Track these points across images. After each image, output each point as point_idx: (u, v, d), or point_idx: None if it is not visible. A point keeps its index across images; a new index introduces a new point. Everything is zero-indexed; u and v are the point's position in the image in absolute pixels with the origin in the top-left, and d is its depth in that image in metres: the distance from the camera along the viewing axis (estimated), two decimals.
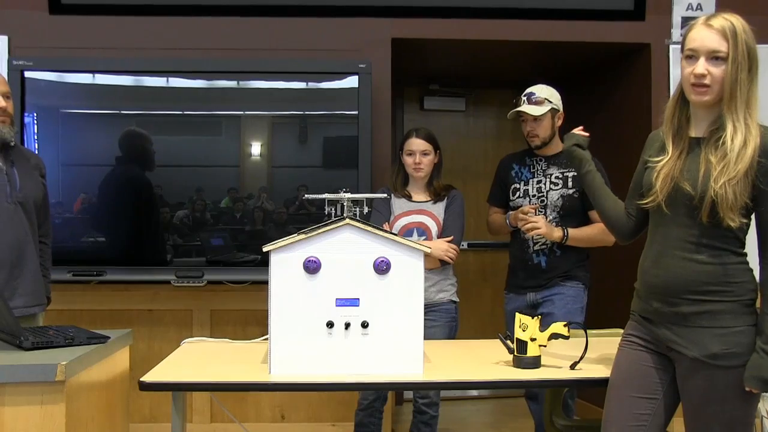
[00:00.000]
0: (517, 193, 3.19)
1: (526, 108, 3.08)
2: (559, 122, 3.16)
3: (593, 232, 3.06)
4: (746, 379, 1.82)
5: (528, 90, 3.14)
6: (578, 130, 2.30)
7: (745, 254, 1.91)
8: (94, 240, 3.60)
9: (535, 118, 3.08)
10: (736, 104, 1.85)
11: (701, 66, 1.86)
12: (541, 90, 3.13)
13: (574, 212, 3.10)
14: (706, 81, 1.86)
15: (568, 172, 3.10)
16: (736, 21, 1.87)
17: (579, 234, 3.07)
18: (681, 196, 1.89)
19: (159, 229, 3.59)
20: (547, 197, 3.12)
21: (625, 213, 2.16)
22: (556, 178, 3.13)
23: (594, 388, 2.18)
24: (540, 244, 3.12)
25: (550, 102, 3.10)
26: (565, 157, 2.35)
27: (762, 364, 1.80)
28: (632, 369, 2.00)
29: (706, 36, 1.87)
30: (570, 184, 3.10)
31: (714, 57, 1.86)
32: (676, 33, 3.82)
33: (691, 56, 1.89)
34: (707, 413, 1.87)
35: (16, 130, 2.69)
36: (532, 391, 3.21)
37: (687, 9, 3.83)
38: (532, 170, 3.19)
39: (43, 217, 2.80)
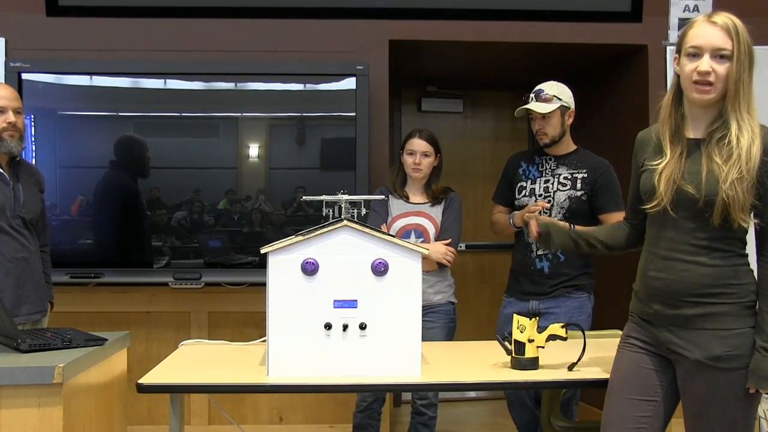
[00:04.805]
0: (523, 192, 3.10)
1: (533, 105, 2.99)
2: (570, 120, 3.07)
3: None
4: (749, 379, 1.82)
5: (537, 87, 3.05)
6: (533, 225, 2.33)
7: (747, 255, 1.90)
8: (92, 242, 3.60)
9: (544, 116, 2.99)
10: (740, 103, 1.83)
11: (706, 63, 1.83)
12: (550, 87, 3.03)
13: (580, 214, 2.99)
14: (711, 78, 1.83)
15: (578, 173, 3.03)
16: (737, 19, 1.85)
17: (586, 231, 2.98)
18: (684, 199, 1.87)
19: (157, 231, 3.59)
20: (553, 198, 3.03)
21: (625, 224, 2.16)
22: (565, 178, 3.04)
23: (593, 389, 2.17)
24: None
25: (560, 99, 3.00)
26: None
27: (764, 362, 1.80)
28: (632, 371, 1.99)
29: (710, 33, 1.84)
30: (579, 185, 3.01)
31: (718, 55, 1.83)
32: (673, 34, 3.82)
33: (693, 54, 1.86)
34: (708, 415, 1.87)
35: (24, 146, 2.79)
36: (512, 399, 3.15)
37: (684, 11, 3.83)
38: (540, 169, 3.10)
39: (41, 229, 2.90)
